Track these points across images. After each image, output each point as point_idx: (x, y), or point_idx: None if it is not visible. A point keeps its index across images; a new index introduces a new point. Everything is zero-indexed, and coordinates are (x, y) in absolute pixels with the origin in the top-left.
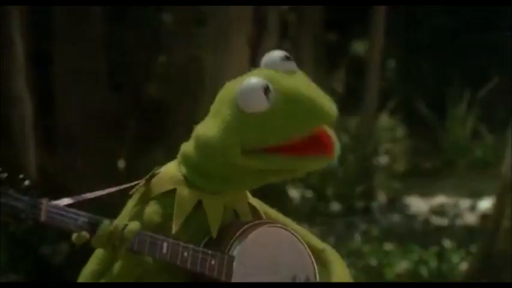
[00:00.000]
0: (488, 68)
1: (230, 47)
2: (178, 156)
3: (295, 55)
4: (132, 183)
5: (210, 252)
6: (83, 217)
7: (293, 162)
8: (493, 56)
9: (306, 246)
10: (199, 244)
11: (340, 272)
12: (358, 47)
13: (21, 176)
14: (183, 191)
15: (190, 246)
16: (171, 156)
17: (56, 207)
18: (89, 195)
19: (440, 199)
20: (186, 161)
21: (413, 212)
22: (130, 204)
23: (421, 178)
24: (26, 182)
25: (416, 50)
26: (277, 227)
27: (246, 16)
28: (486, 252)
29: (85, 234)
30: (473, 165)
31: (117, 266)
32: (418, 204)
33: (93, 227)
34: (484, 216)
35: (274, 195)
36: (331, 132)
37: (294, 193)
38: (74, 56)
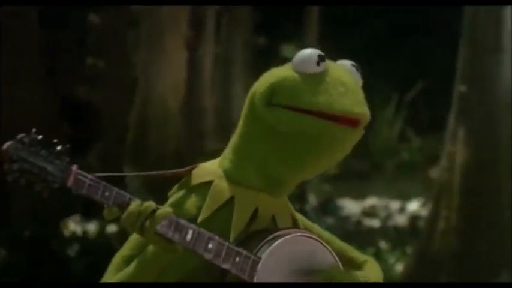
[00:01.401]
0: (415, 72)
1: (165, 49)
2: (224, 151)
3: (227, 57)
4: (169, 172)
5: (236, 248)
6: (110, 190)
7: (316, 124)
8: (419, 60)
9: (336, 259)
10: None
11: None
12: (288, 50)
13: (55, 140)
14: (220, 184)
15: (217, 237)
16: (105, 159)
17: (85, 175)
18: (120, 174)
19: (371, 201)
20: (227, 152)
21: (345, 214)
22: (171, 199)
23: (352, 180)
24: (59, 147)
25: (346, 54)
26: (308, 237)
27: (182, 17)
28: (422, 253)
29: (116, 210)
30: (401, 167)
31: (147, 251)
32: (350, 206)
33: (123, 203)
34: (413, 218)
35: None
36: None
37: None
38: (10, 58)
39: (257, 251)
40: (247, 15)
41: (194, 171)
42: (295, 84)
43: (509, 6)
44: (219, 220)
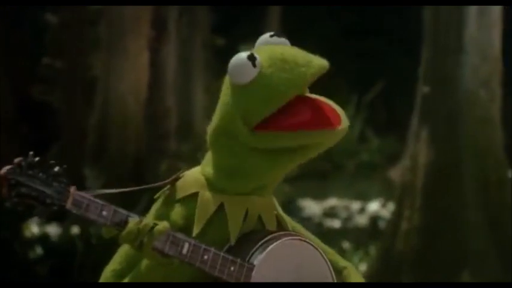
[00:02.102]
0: (372, 73)
1: (126, 50)
2: (203, 161)
3: (186, 58)
4: (155, 184)
5: (230, 258)
6: (107, 209)
7: (299, 136)
8: (376, 61)
9: (327, 261)
10: (221, 248)
11: None
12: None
13: (52, 161)
14: (206, 194)
15: (212, 249)
16: (64, 160)
17: (83, 196)
18: (113, 190)
19: (332, 201)
20: (208, 162)
21: (307, 215)
22: (155, 206)
23: (312, 181)
24: (56, 169)
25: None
26: (300, 240)
27: (144, 18)
28: (385, 253)
29: (113, 229)
30: (360, 167)
31: (142, 265)
32: (310, 207)
33: (121, 222)
34: (374, 218)
35: None
36: (336, 107)
37: None
38: None
39: (250, 257)
40: (205, 16)
41: (178, 183)
42: (254, 98)
43: (471, 7)
44: (213, 229)
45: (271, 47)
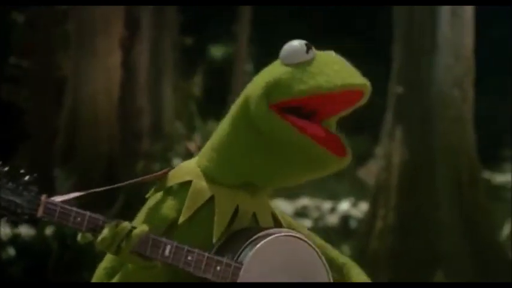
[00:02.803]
0: None
1: (96, 50)
2: (201, 151)
3: (156, 58)
4: (146, 177)
5: (215, 258)
6: (82, 216)
7: (305, 141)
8: (347, 60)
9: (323, 259)
10: (206, 242)
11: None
12: (216, 50)
13: (21, 171)
14: (199, 183)
15: (196, 250)
16: (34, 160)
17: (54, 203)
18: (99, 189)
19: (303, 201)
20: (206, 151)
21: None
22: (148, 203)
23: None
24: (27, 177)
25: (271, 55)
26: (292, 236)
27: (116, 18)
28: (360, 252)
29: (89, 235)
30: None
31: (127, 267)
32: (282, 207)
33: (96, 227)
34: (345, 217)
35: (138, 199)
36: (345, 142)
37: None
38: None
39: (238, 256)
40: (174, 16)
41: (171, 172)
42: (289, 76)
43: (444, 7)
44: (200, 220)
45: (330, 53)
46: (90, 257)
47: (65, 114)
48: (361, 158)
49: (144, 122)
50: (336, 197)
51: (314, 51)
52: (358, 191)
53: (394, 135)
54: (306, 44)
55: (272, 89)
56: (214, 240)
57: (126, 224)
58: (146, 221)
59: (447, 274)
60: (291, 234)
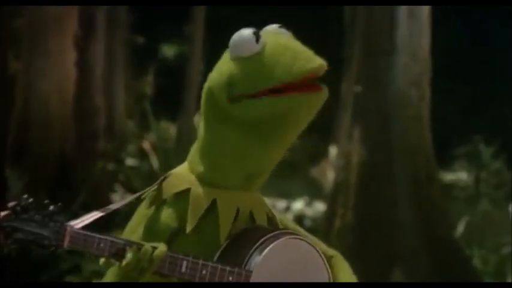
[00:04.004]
0: None
1: (49, 49)
2: (189, 157)
3: (108, 58)
4: (146, 190)
5: (228, 268)
6: (104, 241)
7: (280, 102)
8: None
9: (324, 259)
10: (214, 248)
11: (347, 279)
12: (168, 49)
13: (46, 201)
14: (198, 190)
15: (210, 263)
16: None
17: (78, 232)
18: (111, 206)
19: None
20: (196, 156)
21: None
22: (142, 209)
23: None
24: (51, 208)
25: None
26: (297, 238)
27: (70, 17)
28: None
29: (113, 260)
30: (282, 166)
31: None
32: None
33: (118, 252)
34: (299, 217)
35: (95, 199)
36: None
37: (115, 197)
38: None
39: (247, 262)
40: (125, 15)
41: (165, 183)
42: (245, 71)
43: (401, 9)
44: (205, 226)
45: (277, 34)
46: (51, 258)
47: (15, 114)
48: (314, 158)
49: (99, 121)
50: (289, 196)
51: (262, 38)
52: (311, 191)
53: (353, 134)
54: (255, 33)
55: (230, 86)
56: (222, 243)
57: (148, 247)
58: (147, 233)
59: (405, 272)
60: (295, 236)
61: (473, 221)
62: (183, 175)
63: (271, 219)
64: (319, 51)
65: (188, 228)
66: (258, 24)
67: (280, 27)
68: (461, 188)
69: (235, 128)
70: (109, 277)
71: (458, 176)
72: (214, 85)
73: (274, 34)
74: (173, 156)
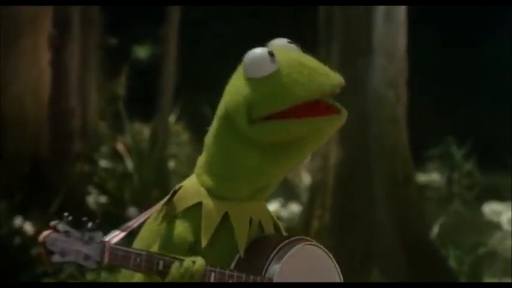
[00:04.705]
0: None
1: (23, 49)
2: (197, 170)
3: (81, 59)
4: (160, 203)
5: (251, 277)
6: (140, 256)
7: (299, 125)
8: None
9: (335, 264)
10: (229, 260)
11: None
12: (141, 51)
13: (84, 218)
14: (209, 203)
15: (235, 273)
16: None
17: (116, 248)
18: (133, 224)
19: None
20: (206, 169)
21: None
22: (153, 225)
23: None
24: (89, 225)
25: (197, 56)
26: (311, 244)
27: (45, 17)
28: None
29: (158, 278)
30: None
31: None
32: None
33: (159, 267)
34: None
35: (71, 202)
36: (336, 104)
37: (90, 198)
38: None
39: (266, 270)
40: (97, 15)
41: (176, 197)
42: (265, 92)
43: (378, 10)
44: (220, 239)
45: (288, 51)
46: (29, 260)
47: None
48: None
49: (75, 122)
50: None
51: (277, 56)
52: (286, 192)
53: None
54: (270, 53)
55: (250, 108)
56: (241, 255)
57: (189, 262)
58: (164, 249)
59: (382, 272)
60: (309, 242)
61: (447, 222)
62: (193, 188)
63: (277, 227)
64: None
65: (203, 243)
66: (233, 25)
67: (289, 42)
68: (434, 189)
69: (251, 148)
70: None
71: (431, 177)
72: (232, 108)
73: (286, 50)
74: (148, 157)
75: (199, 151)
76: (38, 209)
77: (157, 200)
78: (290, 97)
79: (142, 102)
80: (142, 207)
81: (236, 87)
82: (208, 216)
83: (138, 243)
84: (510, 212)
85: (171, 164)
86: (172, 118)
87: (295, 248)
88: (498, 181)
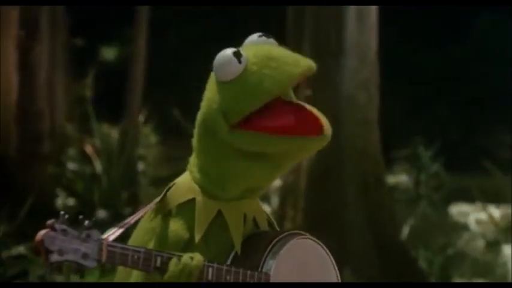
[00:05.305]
0: None
1: None
2: (189, 167)
3: (49, 59)
4: (156, 200)
5: (249, 272)
6: (137, 253)
7: (278, 142)
8: None
9: (330, 255)
10: (225, 256)
11: None
12: (108, 52)
13: (80, 216)
14: (202, 200)
15: (232, 269)
16: None
17: (114, 246)
18: (130, 220)
19: None
20: (197, 168)
21: None
22: (146, 222)
23: None
24: (86, 223)
25: (162, 58)
26: (305, 238)
27: (12, 17)
28: None
29: (156, 274)
30: None
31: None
32: None
33: (156, 263)
34: None
35: (39, 204)
36: (319, 114)
37: (58, 201)
38: None
39: (262, 266)
40: (63, 15)
41: (169, 193)
42: (236, 94)
43: (350, 11)
44: (213, 236)
45: (258, 46)
46: None
47: None
48: None
49: (43, 124)
50: None
51: (244, 56)
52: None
53: None
54: (235, 53)
55: (226, 116)
56: (238, 251)
57: (187, 258)
58: (161, 243)
59: (355, 273)
60: (303, 236)
61: (416, 223)
62: (186, 185)
63: (271, 223)
64: None
65: (196, 238)
66: (200, 25)
67: (260, 36)
68: (402, 191)
69: (235, 153)
70: None
71: (399, 178)
72: (209, 116)
73: (255, 46)
74: (116, 159)
75: (167, 153)
76: (6, 211)
77: (126, 202)
78: (260, 93)
79: (110, 103)
80: (112, 209)
81: (211, 93)
82: (202, 212)
83: (133, 242)
84: (477, 213)
85: (140, 165)
86: (140, 119)
87: (290, 242)
88: (465, 182)
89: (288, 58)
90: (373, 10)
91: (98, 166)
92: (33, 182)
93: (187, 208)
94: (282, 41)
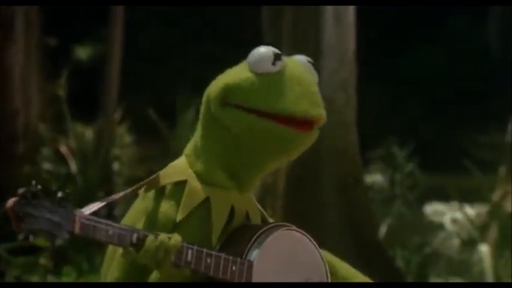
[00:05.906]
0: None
1: None
2: (186, 151)
3: (24, 59)
4: (146, 180)
5: (231, 258)
6: (112, 228)
7: (263, 126)
8: (217, 65)
9: (317, 247)
10: (208, 244)
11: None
12: (82, 51)
13: (54, 188)
14: (194, 184)
15: (213, 252)
16: None
17: (88, 218)
18: (114, 197)
19: None
20: (194, 152)
21: None
22: (138, 204)
23: None
24: (59, 194)
25: (137, 58)
26: (291, 229)
27: None
28: None
29: (132, 250)
30: None
31: (152, 278)
32: None
33: (132, 240)
34: None
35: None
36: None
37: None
38: None
39: (247, 254)
40: (36, 15)
41: (162, 171)
42: (248, 85)
43: (328, 12)
44: (196, 221)
45: (299, 63)
46: None
47: None
48: None
49: (18, 124)
50: None
51: (282, 63)
52: None
53: None
54: (275, 54)
55: (229, 92)
56: (213, 240)
57: (164, 237)
58: (150, 223)
59: None
60: (288, 227)
61: (393, 223)
62: (180, 167)
63: (264, 219)
64: (236, 54)
65: (178, 217)
66: (175, 26)
67: (309, 61)
68: (377, 190)
69: (222, 131)
70: (114, 273)
71: (374, 178)
72: (215, 88)
73: (296, 62)
74: (92, 159)
75: (142, 153)
76: None
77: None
78: (270, 102)
79: (84, 103)
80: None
81: (232, 71)
82: (191, 194)
83: (124, 222)
84: (452, 212)
85: (115, 165)
86: (116, 119)
87: (276, 232)
88: (440, 181)
89: (311, 96)
90: (350, 9)
91: (73, 166)
92: (9, 182)
93: (179, 190)
94: (258, 42)
